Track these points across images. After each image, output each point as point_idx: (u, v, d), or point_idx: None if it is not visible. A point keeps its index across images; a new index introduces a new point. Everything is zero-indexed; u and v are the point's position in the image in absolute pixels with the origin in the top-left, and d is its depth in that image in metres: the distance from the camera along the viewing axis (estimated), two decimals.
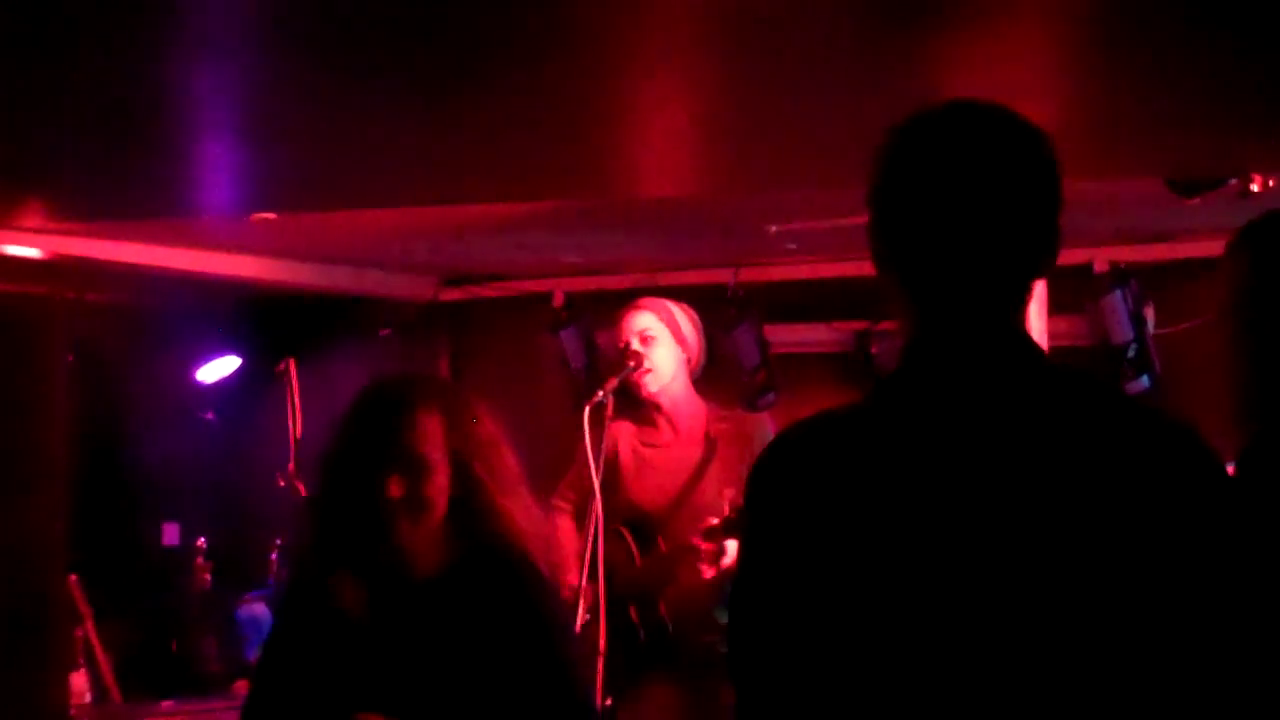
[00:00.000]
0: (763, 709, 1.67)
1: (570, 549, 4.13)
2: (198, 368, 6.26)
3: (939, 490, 1.57)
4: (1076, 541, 1.53)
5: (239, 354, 6.32)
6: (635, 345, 3.96)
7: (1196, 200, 3.62)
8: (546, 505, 4.23)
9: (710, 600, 3.91)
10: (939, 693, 1.54)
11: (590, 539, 3.66)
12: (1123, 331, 5.22)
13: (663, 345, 3.98)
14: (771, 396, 5.66)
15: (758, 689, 1.67)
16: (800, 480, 1.65)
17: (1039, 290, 3.87)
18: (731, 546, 3.70)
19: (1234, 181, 3.54)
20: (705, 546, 3.71)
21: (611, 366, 4.02)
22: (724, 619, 3.83)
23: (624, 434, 4.02)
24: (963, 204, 1.60)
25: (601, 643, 3.59)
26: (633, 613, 3.93)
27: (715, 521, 3.71)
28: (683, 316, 4.04)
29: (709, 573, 3.73)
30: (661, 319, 4.00)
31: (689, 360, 4.02)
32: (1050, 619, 1.52)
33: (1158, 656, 1.52)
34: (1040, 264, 1.65)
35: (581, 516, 4.15)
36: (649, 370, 3.93)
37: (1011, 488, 1.56)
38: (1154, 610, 1.52)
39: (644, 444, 4.05)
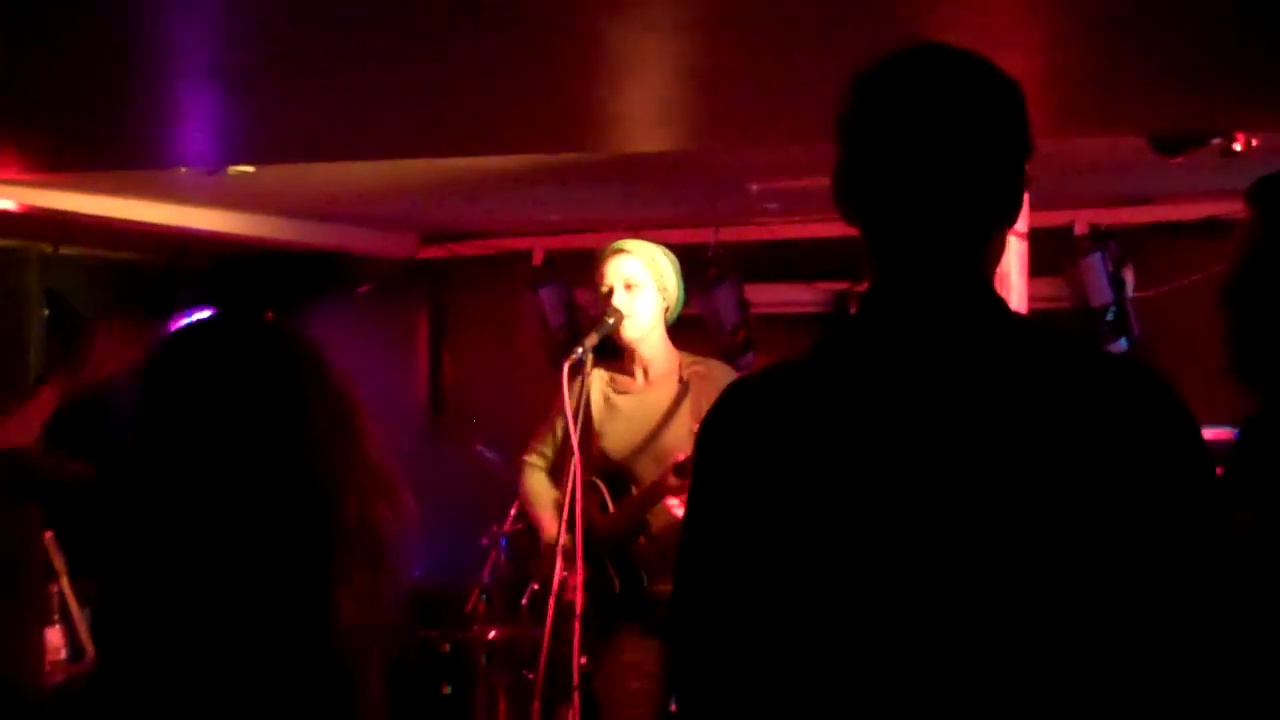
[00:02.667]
0: (702, 664, 1.64)
1: (546, 501, 4.13)
2: (173, 323, 6.21)
3: (891, 440, 1.56)
4: (1032, 490, 1.51)
5: (215, 309, 6.26)
6: (619, 292, 3.93)
7: (1179, 159, 3.61)
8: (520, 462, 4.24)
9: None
10: (887, 648, 1.53)
11: (568, 496, 3.64)
12: (1102, 294, 5.23)
13: (645, 292, 3.95)
14: (751, 356, 5.66)
15: (697, 640, 1.65)
16: (749, 429, 1.63)
17: (1019, 251, 3.89)
18: None
19: (1217, 140, 3.53)
20: (674, 482, 3.70)
21: (592, 322, 3.99)
22: None
23: (595, 383, 4.00)
24: (926, 147, 1.57)
25: (578, 604, 3.57)
26: (607, 565, 3.92)
27: (683, 457, 3.70)
28: (666, 263, 4.01)
29: (680, 510, 3.71)
30: (646, 266, 3.97)
31: (667, 308, 4.01)
32: (1003, 572, 1.51)
33: (1120, 606, 1.50)
34: (1003, 215, 1.62)
35: (554, 472, 4.15)
36: (627, 317, 3.92)
37: (966, 437, 1.54)
38: (1114, 558, 1.50)
39: (616, 391, 4.03)
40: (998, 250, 1.64)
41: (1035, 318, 1.74)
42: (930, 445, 1.54)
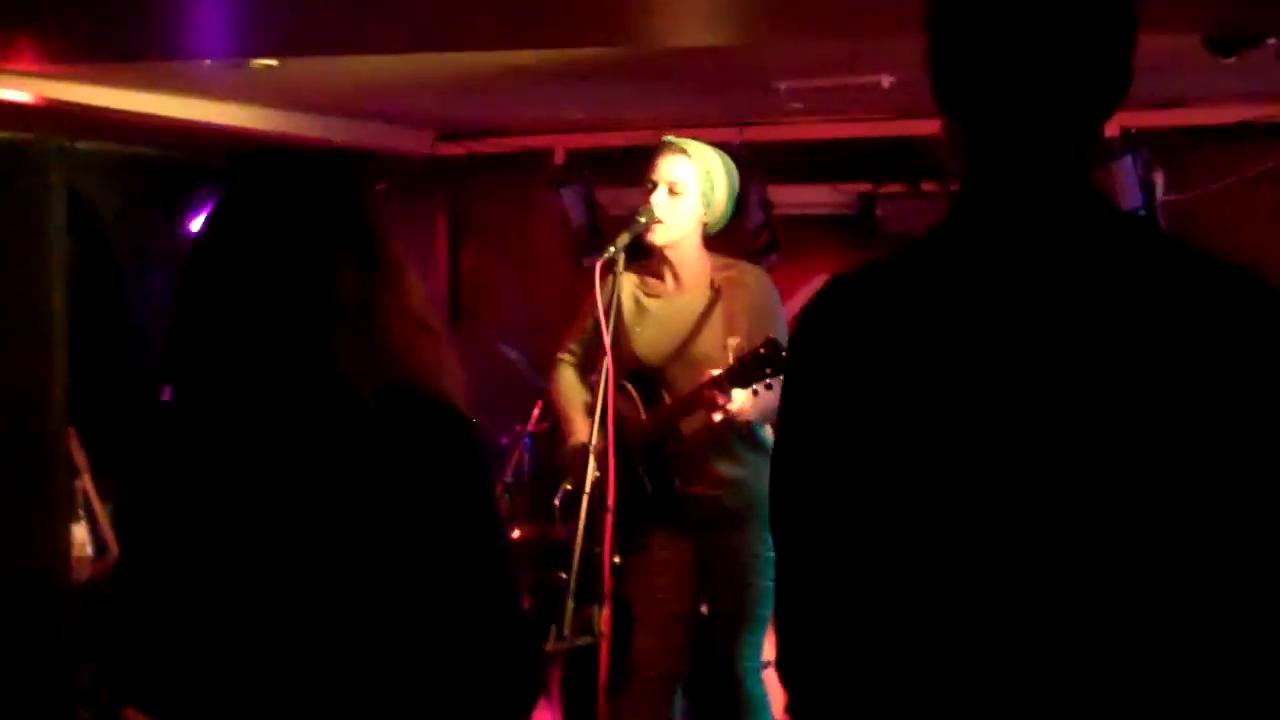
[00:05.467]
0: (806, 571, 1.59)
1: (576, 400, 4.10)
2: (191, 219, 6.17)
3: (994, 342, 1.49)
4: (1139, 391, 1.45)
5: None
6: (662, 190, 3.84)
7: (1232, 59, 3.52)
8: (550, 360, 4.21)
9: (711, 452, 3.89)
10: (988, 554, 1.49)
11: (600, 396, 3.61)
12: (1132, 197, 5.16)
13: (688, 199, 3.85)
14: (774, 258, 5.61)
15: (801, 548, 1.60)
16: (847, 330, 1.57)
17: None
18: (738, 394, 3.65)
19: (1272, 40, 3.44)
20: (711, 394, 3.66)
21: (621, 221, 3.92)
22: (720, 468, 3.87)
23: (625, 284, 3.91)
24: (1030, 28, 1.48)
25: (610, 499, 3.55)
26: (639, 467, 3.90)
27: (718, 372, 3.66)
28: (720, 174, 3.88)
29: (716, 417, 3.69)
30: (698, 173, 3.85)
31: (705, 221, 3.91)
32: (1105, 472, 1.46)
33: (1228, 517, 1.45)
34: (1114, 99, 1.53)
35: (585, 370, 4.12)
36: (661, 223, 3.83)
37: (1074, 340, 1.47)
38: (1222, 466, 1.45)
39: (646, 294, 3.97)
40: (1098, 138, 1.55)
41: (1136, 216, 1.66)
42: (1037, 350, 1.48)
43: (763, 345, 3.60)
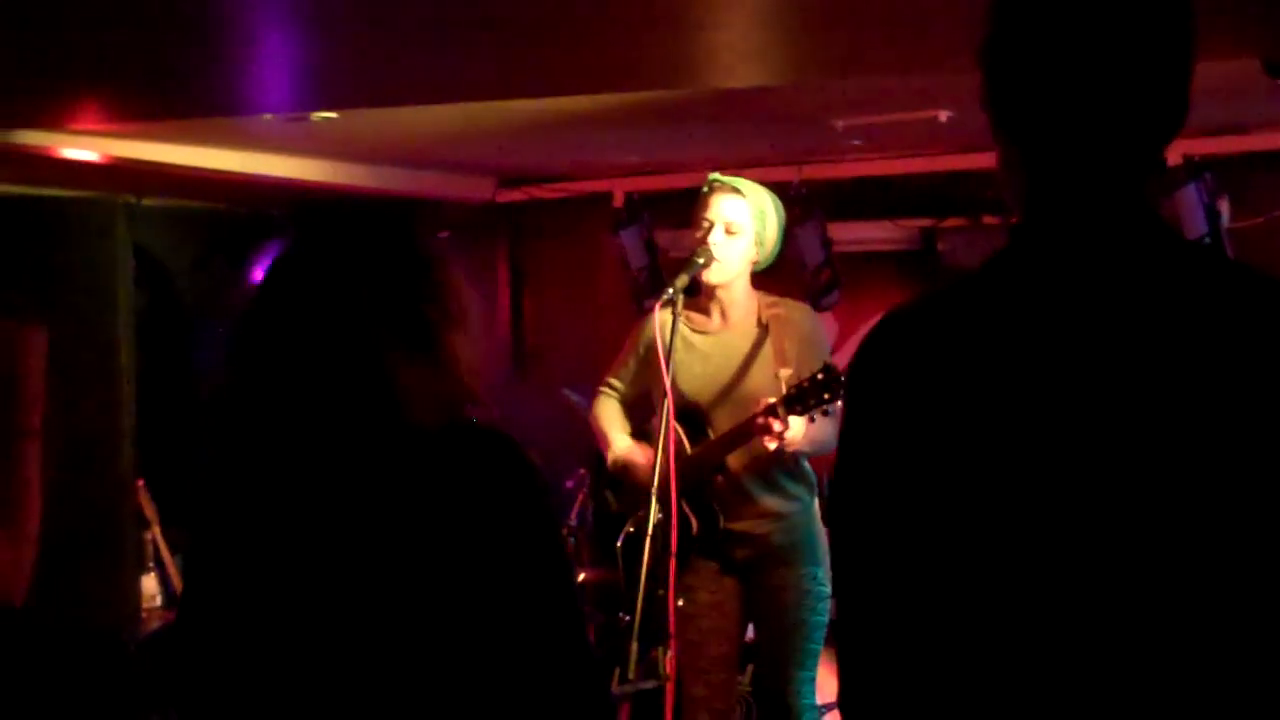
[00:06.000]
0: (868, 606, 1.57)
1: (614, 420, 4.13)
2: (258, 272, 6.25)
3: (1055, 375, 1.47)
4: (1209, 421, 1.42)
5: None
6: (718, 230, 3.84)
7: None
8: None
9: (758, 487, 3.88)
10: (1054, 591, 1.46)
11: (661, 435, 3.60)
12: (1197, 225, 5.10)
13: (743, 239, 3.86)
14: (835, 295, 5.60)
15: (864, 584, 1.58)
16: (906, 362, 1.54)
17: None
18: (794, 422, 3.64)
19: None
20: (767, 421, 3.65)
21: (679, 262, 3.92)
22: (767, 503, 3.85)
23: (671, 322, 3.93)
24: (1088, 55, 1.46)
25: (674, 542, 3.55)
26: (684, 504, 3.89)
27: (773, 400, 3.66)
28: (773, 215, 3.89)
29: (771, 445, 3.68)
30: (752, 213, 3.86)
31: (758, 259, 3.92)
32: (1171, 513, 1.43)
33: None
34: (1173, 126, 1.50)
35: (628, 407, 4.13)
36: (718, 261, 3.84)
37: (1137, 373, 1.45)
38: None
39: (693, 330, 3.97)
40: (1159, 167, 1.53)
41: (1202, 243, 1.64)
42: (1098, 383, 1.45)
43: (821, 371, 3.60)
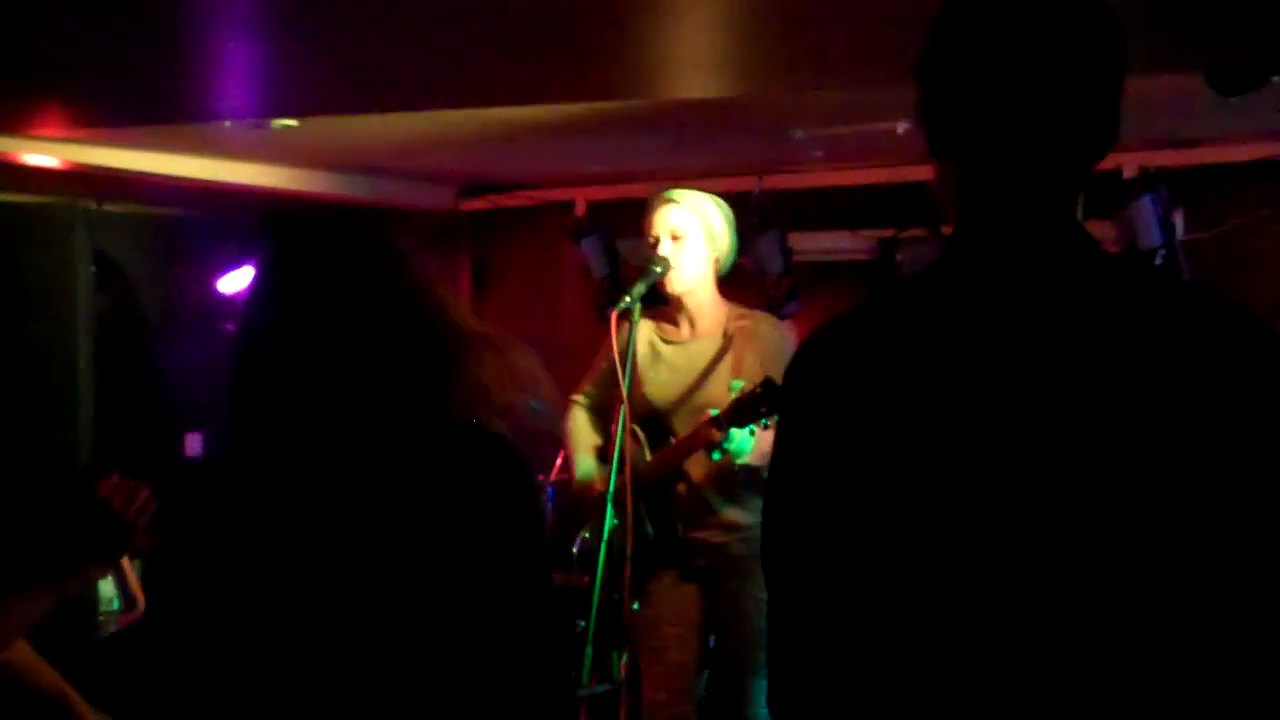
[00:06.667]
0: (797, 607, 1.61)
1: (585, 442, 4.15)
2: (218, 279, 6.24)
3: (980, 379, 1.51)
4: (1129, 428, 1.47)
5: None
6: (665, 242, 3.90)
7: (1236, 99, 3.53)
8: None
9: (719, 498, 3.90)
10: (983, 588, 1.50)
11: (618, 442, 3.63)
12: (1152, 237, 5.15)
13: (692, 244, 3.91)
14: (795, 305, 5.62)
15: (791, 584, 1.62)
16: (838, 371, 1.59)
17: None
18: (735, 434, 3.67)
19: (1277, 79, 3.46)
20: (708, 432, 3.68)
21: (638, 271, 3.96)
22: (727, 513, 3.88)
23: (642, 331, 3.98)
24: (1019, 76, 1.52)
25: (629, 546, 3.57)
26: (643, 510, 3.92)
27: (716, 412, 3.69)
28: (716, 213, 3.96)
29: (715, 456, 3.71)
30: (695, 216, 3.92)
31: (717, 260, 3.97)
32: (1094, 511, 1.47)
33: (1210, 546, 1.46)
34: (1103, 144, 1.56)
35: (598, 413, 4.17)
36: (673, 269, 3.89)
37: (1062, 376, 1.49)
38: (1207, 494, 1.46)
39: (662, 340, 4.02)
40: (1087, 181, 1.58)
41: (1127, 257, 1.70)
42: (1025, 386, 1.50)
43: (759, 385, 3.63)
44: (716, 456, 3.71)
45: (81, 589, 2.68)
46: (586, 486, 4.07)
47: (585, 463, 4.13)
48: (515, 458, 1.93)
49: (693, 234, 3.91)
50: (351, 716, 1.87)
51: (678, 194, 3.95)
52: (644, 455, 3.94)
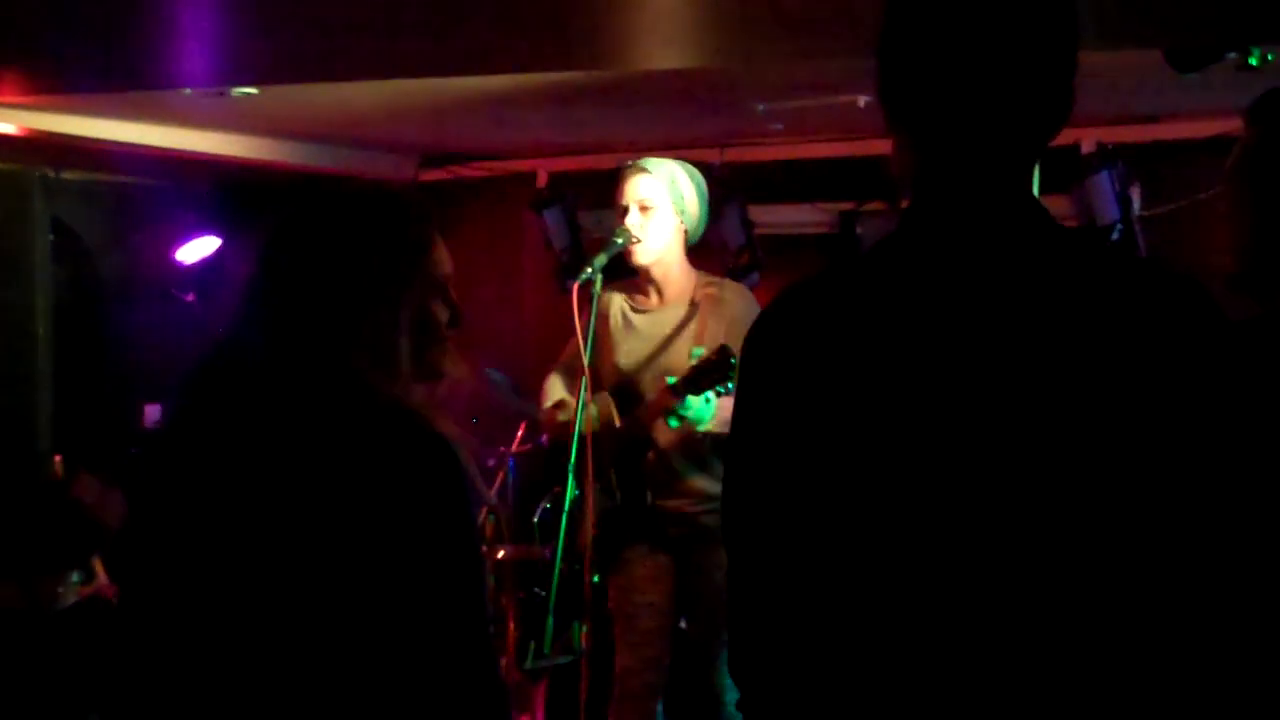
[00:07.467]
0: (756, 571, 1.64)
1: (556, 391, 4.16)
2: (177, 248, 6.20)
3: (936, 348, 1.55)
4: (1076, 393, 1.51)
5: (218, 234, 6.26)
6: (634, 212, 3.90)
7: (1194, 75, 3.56)
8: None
9: (689, 467, 3.92)
10: (935, 549, 1.53)
11: (577, 414, 3.65)
12: (1109, 212, 5.18)
13: (660, 215, 3.91)
14: (756, 277, 5.63)
15: (750, 550, 1.65)
16: (796, 335, 1.62)
17: None
18: (692, 401, 3.68)
19: (1233, 55, 3.49)
20: (665, 399, 3.70)
21: (600, 243, 3.97)
22: (694, 481, 3.91)
23: (615, 301, 4.01)
24: (974, 51, 1.55)
25: (590, 517, 3.59)
26: (611, 477, 3.93)
27: (672, 380, 3.71)
28: (688, 183, 3.95)
29: (673, 423, 3.73)
30: (665, 186, 3.92)
31: (685, 230, 3.97)
32: (1045, 478, 1.51)
33: (1155, 506, 1.51)
34: (1056, 119, 1.60)
35: (574, 378, 4.18)
36: (639, 241, 3.89)
37: (1012, 343, 1.53)
38: (1151, 459, 1.50)
39: (633, 309, 4.04)
40: (1039, 154, 1.62)
41: (1083, 231, 1.74)
42: (977, 353, 1.53)
43: (716, 352, 3.65)
44: (674, 423, 3.73)
45: (56, 591, 2.71)
46: (550, 412, 4.08)
47: (554, 396, 4.12)
48: (437, 437, 1.95)
49: (661, 204, 3.91)
50: (256, 699, 1.88)
51: (649, 163, 3.95)
52: (614, 421, 3.96)
